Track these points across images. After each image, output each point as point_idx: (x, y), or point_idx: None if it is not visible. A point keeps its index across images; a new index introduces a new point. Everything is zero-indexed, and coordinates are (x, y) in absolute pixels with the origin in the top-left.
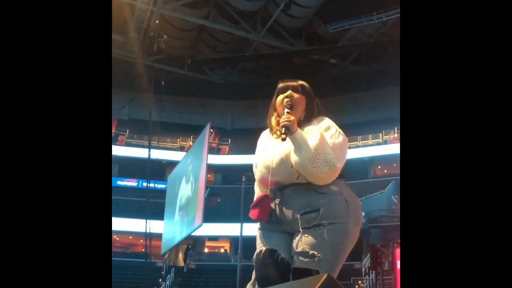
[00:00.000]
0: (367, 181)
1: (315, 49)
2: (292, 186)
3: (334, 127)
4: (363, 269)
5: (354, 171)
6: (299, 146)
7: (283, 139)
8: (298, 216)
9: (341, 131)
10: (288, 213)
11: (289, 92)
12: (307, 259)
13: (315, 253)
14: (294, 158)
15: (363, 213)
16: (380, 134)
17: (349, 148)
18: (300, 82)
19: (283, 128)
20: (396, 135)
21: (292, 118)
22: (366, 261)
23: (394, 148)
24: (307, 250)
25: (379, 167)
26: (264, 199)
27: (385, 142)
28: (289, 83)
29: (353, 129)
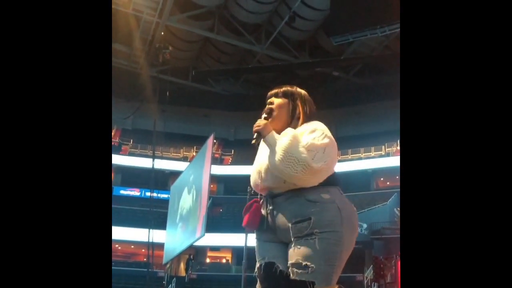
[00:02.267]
0: (370, 193)
1: (319, 61)
2: (283, 194)
3: (320, 130)
4: (365, 281)
5: (357, 183)
6: (271, 148)
7: (253, 144)
8: (290, 225)
9: (329, 135)
10: (280, 222)
11: (270, 99)
12: (301, 271)
13: (308, 263)
14: (268, 160)
15: (365, 225)
16: (383, 146)
17: (352, 160)
18: (284, 87)
19: (255, 134)
20: (398, 147)
21: (262, 122)
22: (369, 273)
23: (396, 161)
24: (300, 261)
25: (382, 179)
26: (253, 204)
27: (388, 154)
28: (272, 91)
29: (355, 141)
